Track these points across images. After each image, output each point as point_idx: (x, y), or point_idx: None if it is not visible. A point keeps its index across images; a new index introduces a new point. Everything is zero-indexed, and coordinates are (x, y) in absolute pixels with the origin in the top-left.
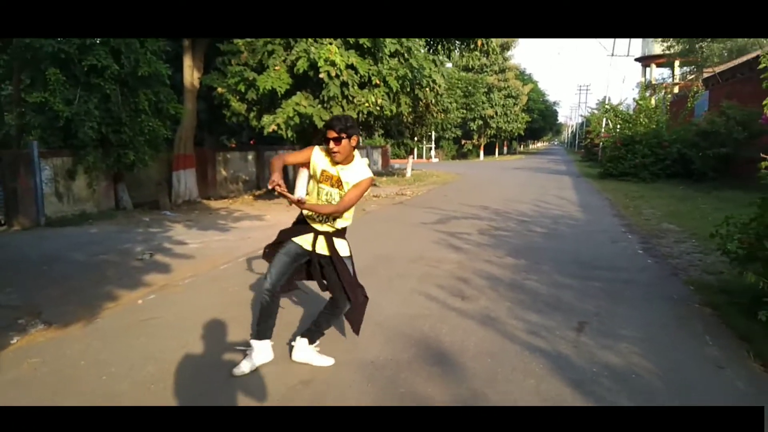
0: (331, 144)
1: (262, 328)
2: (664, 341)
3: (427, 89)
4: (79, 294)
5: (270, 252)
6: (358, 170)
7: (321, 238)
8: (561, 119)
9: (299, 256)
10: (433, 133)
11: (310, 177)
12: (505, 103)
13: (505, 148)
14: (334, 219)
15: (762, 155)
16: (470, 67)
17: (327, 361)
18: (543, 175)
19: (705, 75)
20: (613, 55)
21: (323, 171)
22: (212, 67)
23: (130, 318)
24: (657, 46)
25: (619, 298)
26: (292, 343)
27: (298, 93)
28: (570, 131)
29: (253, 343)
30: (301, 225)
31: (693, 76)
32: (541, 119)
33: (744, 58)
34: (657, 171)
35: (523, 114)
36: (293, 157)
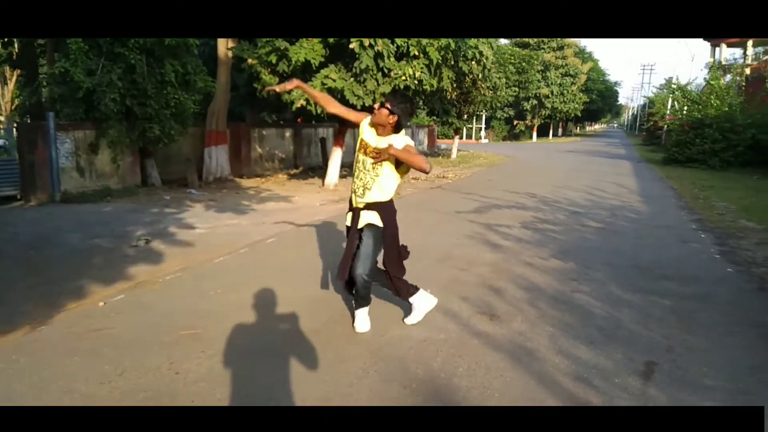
0: (376, 112)
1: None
2: (763, 396)
3: (473, 62)
4: (47, 288)
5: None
6: (393, 140)
7: (356, 214)
8: (621, 100)
9: (353, 235)
10: (484, 112)
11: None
12: (562, 82)
13: (560, 130)
14: (364, 192)
15: None
16: (526, 42)
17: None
18: (600, 159)
19: None
20: None
21: (362, 140)
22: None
23: (79, 326)
24: None
25: (696, 323)
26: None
27: (330, 66)
28: (631, 113)
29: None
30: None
31: (767, 57)
32: (600, 100)
33: None
34: (728, 158)
35: (581, 94)
36: (341, 108)
